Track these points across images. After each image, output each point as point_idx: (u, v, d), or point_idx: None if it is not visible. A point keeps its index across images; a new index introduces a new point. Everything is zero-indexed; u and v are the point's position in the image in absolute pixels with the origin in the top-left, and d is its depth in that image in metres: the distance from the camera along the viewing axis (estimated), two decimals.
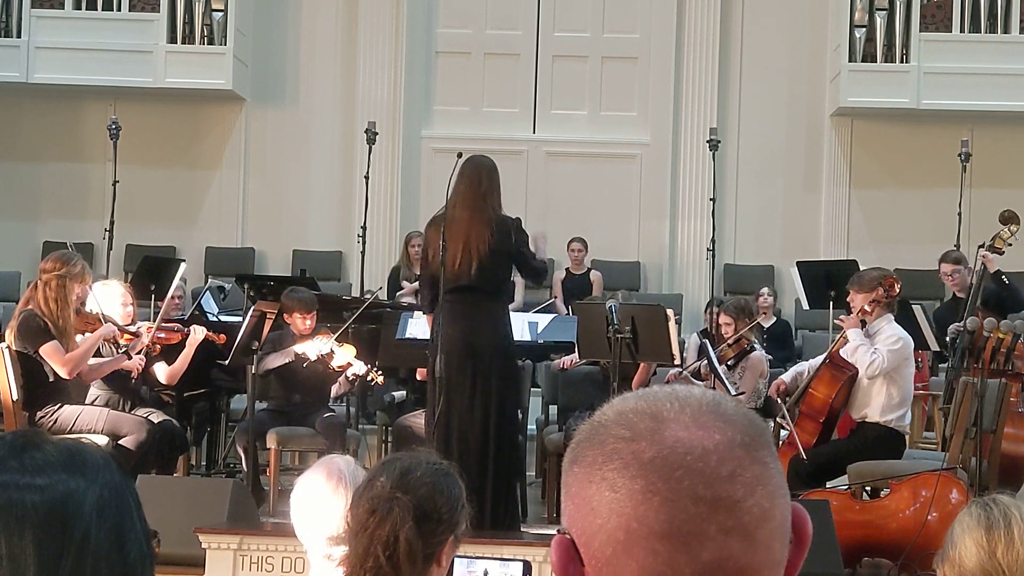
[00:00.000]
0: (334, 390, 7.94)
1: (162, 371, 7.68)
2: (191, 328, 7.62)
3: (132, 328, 7.33)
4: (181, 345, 7.60)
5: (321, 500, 2.93)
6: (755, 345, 8.49)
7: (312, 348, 7.56)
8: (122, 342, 7.19)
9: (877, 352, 6.82)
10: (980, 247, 8.36)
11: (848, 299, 7.16)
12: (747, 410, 1.15)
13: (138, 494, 1.16)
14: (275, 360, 7.72)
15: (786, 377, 7.50)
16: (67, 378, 6.79)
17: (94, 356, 7.08)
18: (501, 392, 6.54)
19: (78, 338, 6.97)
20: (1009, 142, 12.50)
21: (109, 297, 7.40)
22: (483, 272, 6.45)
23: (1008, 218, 8.25)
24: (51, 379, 6.81)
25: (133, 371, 7.25)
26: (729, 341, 8.24)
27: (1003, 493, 2.74)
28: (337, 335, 7.78)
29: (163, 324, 7.62)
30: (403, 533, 2.51)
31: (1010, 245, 8.23)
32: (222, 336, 7.64)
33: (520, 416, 7.22)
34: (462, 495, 2.63)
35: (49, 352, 6.72)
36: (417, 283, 10.16)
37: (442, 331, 6.54)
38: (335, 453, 7.25)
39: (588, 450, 1.12)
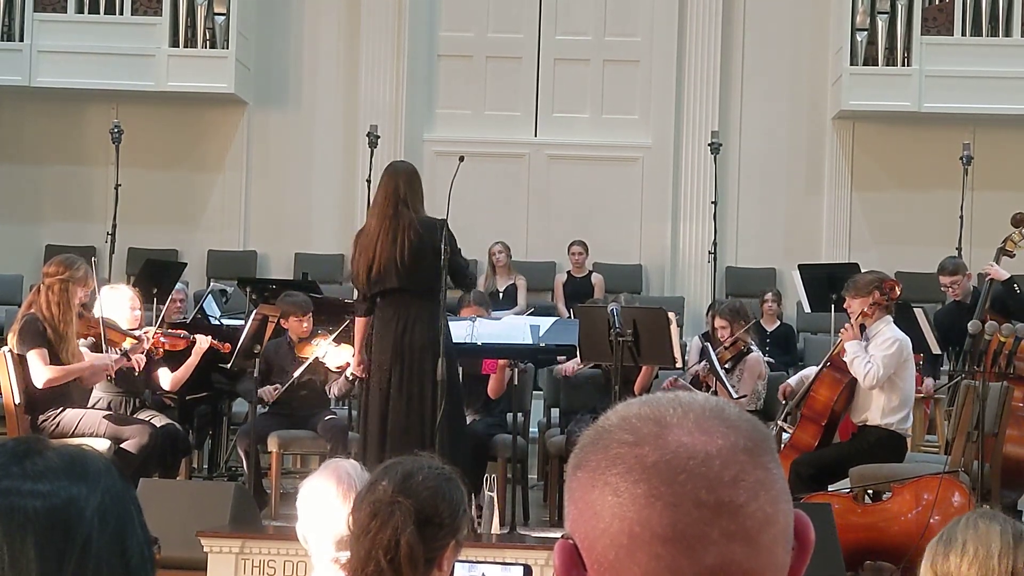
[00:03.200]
0: (334, 390, 7.96)
1: (166, 378, 7.68)
2: (197, 336, 7.62)
3: (136, 332, 7.33)
4: (186, 352, 7.61)
5: (327, 503, 2.93)
6: (752, 347, 8.49)
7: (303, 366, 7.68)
8: (125, 344, 7.19)
9: (872, 362, 6.81)
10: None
11: (845, 305, 7.16)
12: (750, 415, 1.15)
13: (139, 500, 1.16)
14: (272, 394, 7.78)
15: (792, 381, 7.50)
16: (40, 387, 6.74)
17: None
18: (431, 392, 6.48)
19: (80, 343, 6.98)
20: (1011, 145, 12.50)
21: (118, 302, 7.41)
22: (408, 274, 6.50)
23: (1020, 220, 8.21)
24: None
25: (135, 366, 7.23)
26: (726, 343, 8.24)
27: (977, 511, 2.71)
28: (335, 335, 7.81)
29: (168, 331, 7.63)
30: (404, 537, 2.51)
31: (1021, 248, 8.19)
32: (227, 345, 7.65)
33: (456, 418, 7.13)
34: (464, 500, 2.63)
35: (34, 357, 6.69)
36: None
37: (375, 334, 6.62)
38: (336, 456, 7.30)
39: (592, 455, 1.12)
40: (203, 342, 7.60)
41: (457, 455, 6.51)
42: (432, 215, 6.74)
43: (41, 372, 6.70)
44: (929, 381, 8.73)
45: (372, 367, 6.65)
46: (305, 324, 7.87)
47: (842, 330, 7.12)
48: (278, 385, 7.80)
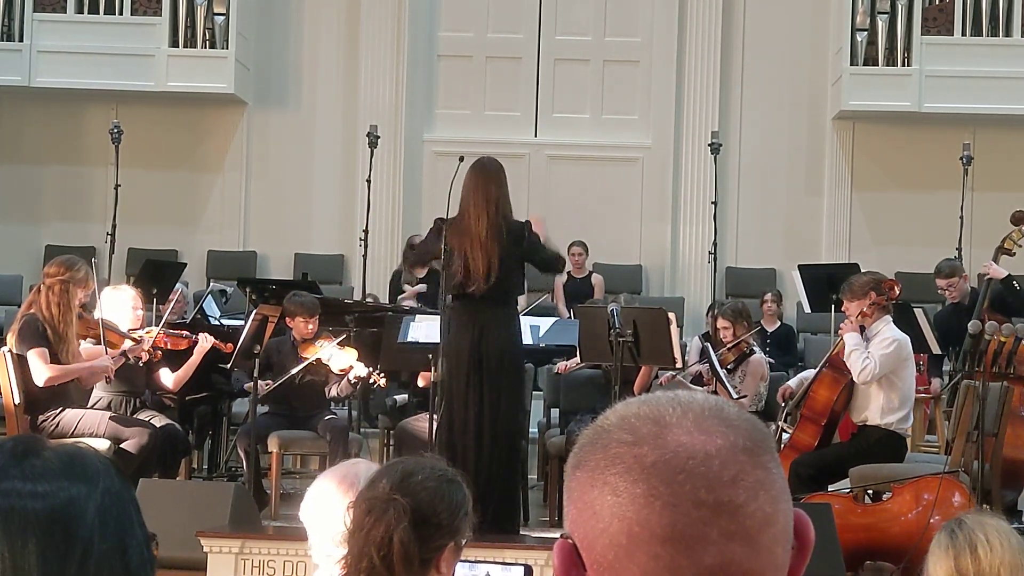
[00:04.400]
0: (334, 391, 7.95)
1: (168, 377, 7.68)
2: (199, 336, 7.61)
3: (137, 333, 7.33)
4: (187, 352, 7.60)
5: (329, 501, 2.92)
6: (754, 348, 8.50)
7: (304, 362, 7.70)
8: (125, 345, 7.18)
9: (869, 358, 6.81)
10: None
11: (843, 308, 7.16)
12: (750, 415, 1.15)
13: (137, 499, 1.16)
14: (262, 388, 7.76)
15: (792, 383, 7.49)
16: (40, 385, 6.73)
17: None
18: (508, 398, 6.55)
19: (82, 345, 6.97)
20: (1011, 145, 12.50)
21: (120, 302, 7.41)
22: (495, 280, 6.46)
23: (1019, 219, 8.19)
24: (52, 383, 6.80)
25: (141, 356, 7.22)
26: (728, 345, 8.24)
27: (973, 511, 2.79)
28: (339, 340, 7.80)
29: (169, 331, 7.62)
30: (397, 535, 2.51)
31: (1020, 246, 8.18)
32: (229, 345, 7.65)
33: (524, 420, 7.21)
34: (466, 503, 2.62)
35: (35, 356, 6.69)
36: (420, 284, 10.18)
37: (451, 336, 6.56)
38: (336, 456, 7.29)
39: (591, 454, 1.12)
40: (205, 341, 7.60)
41: (512, 460, 6.55)
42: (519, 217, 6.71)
43: (41, 371, 6.69)
44: (936, 382, 8.72)
45: (447, 371, 6.56)
46: (311, 326, 7.86)
47: (841, 325, 7.12)
48: (270, 381, 7.79)
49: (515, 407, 6.66)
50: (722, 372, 8.00)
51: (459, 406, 6.49)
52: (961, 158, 10.38)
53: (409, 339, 7.25)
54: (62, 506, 1.09)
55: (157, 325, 7.74)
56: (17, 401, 6.74)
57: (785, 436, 7.22)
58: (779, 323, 10.84)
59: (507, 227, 6.52)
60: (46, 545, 1.08)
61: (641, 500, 1.08)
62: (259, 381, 7.74)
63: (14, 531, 1.08)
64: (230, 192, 13.12)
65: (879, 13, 12.25)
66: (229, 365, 7.83)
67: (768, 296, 10.88)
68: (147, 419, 7.18)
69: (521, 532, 6.90)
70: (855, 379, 6.88)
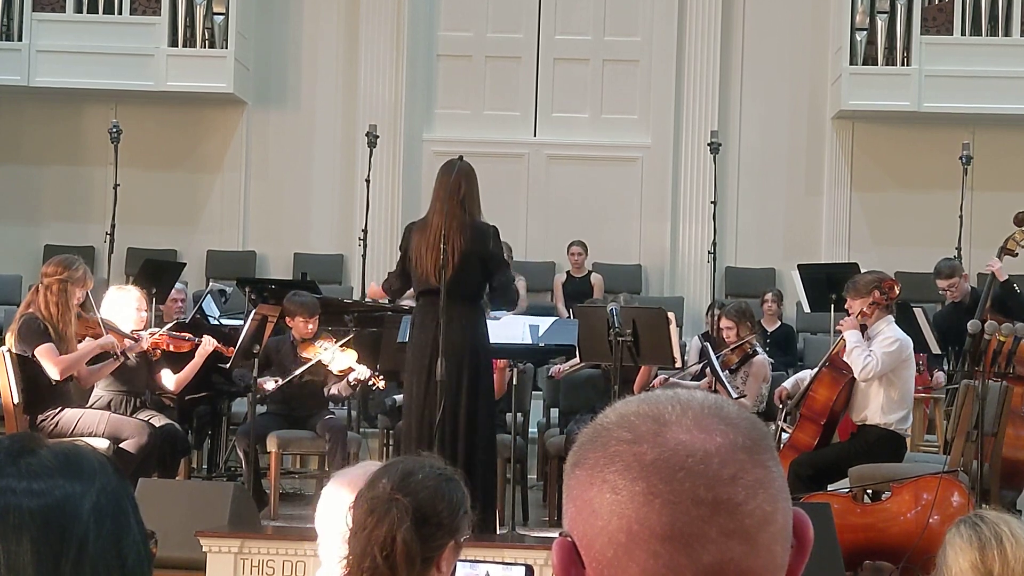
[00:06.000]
0: (333, 391, 7.94)
1: (169, 379, 7.67)
2: (202, 339, 7.61)
3: (140, 332, 7.33)
4: (189, 354, 7.60)
5: (339, 501, 2.92)
6: (757, 349, 8.49)
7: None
8: (125, 344, 7.19)
9: (871, 355, 6.81)
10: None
11: (846, 306, 7.16)
12: (749, 414, 1.15)
13: (135, 496, 1.16)
14: (271, 386, 7.74)
15: (788, 384, 7.49)
16: (58, 379, 6.78)
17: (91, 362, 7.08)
18: (474, 394, 6.51)
19: (80, 345, 6.97)
20: (1010, 145, 12.50)
21: (125, 303, 7.42)
22: (457, 277, 6.45)
23: (1022, 220, 8.18)
24: (52, 382, 6.81)
25: (135, 348, 7.22)
26: (732, 346, 8.23)
27: (988, 507, 2.78)
28: (341, 342, 7.79)
29: (172, 333, 7.62)
30: (400, 534, 2.51)
31: (1023, 247, 8.16)
32: (231, 348, 7.64)
33: (494, 418, 7.18)
34: (465, 501, 2.62)
35: (43, 353, 6.71)
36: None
37: (415, 333, 6.56)
38: (335, 456, 7.25)
39: (590, 453, 1.12)
40: (208, 344, 7.59)
41: (488, 459, 6.54)
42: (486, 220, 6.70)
43: (55, 362, 6.71)
44: (940, 375, 8.71)
45: (409, 368, 6.58)
46: (311, 326, 7.86)
47: (841, 321, 7.12)
48: (279, 379, 7.76)
49: (484, 404, 6.59)
50: (722, 373, 7.99)
51: (430, 401, 6.46)
52: (960, 158, 10.38)
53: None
54: (57, 504, 1.09)
55: (156, 324, 7.75)
56: (16, 401, 6.74)
57: (785, 436, 7.22)
58: (779, 323, 10.84)
59: (472, 224, 6.52)
60: (41, 543, 1.08)
61: (640, 498, 1.08)
62: (267, 378, 7.73)
63: (9, 529, 1.07)
64: (229, 192, 13.11)
65: (879, 13, 12.25)
66: (228, 365, 7.82)
67: (768, 296, 10.88)
68: (146, 419, 7.18)
69: (520, 532, 6.91)
70: (856, 376, 6.88)
